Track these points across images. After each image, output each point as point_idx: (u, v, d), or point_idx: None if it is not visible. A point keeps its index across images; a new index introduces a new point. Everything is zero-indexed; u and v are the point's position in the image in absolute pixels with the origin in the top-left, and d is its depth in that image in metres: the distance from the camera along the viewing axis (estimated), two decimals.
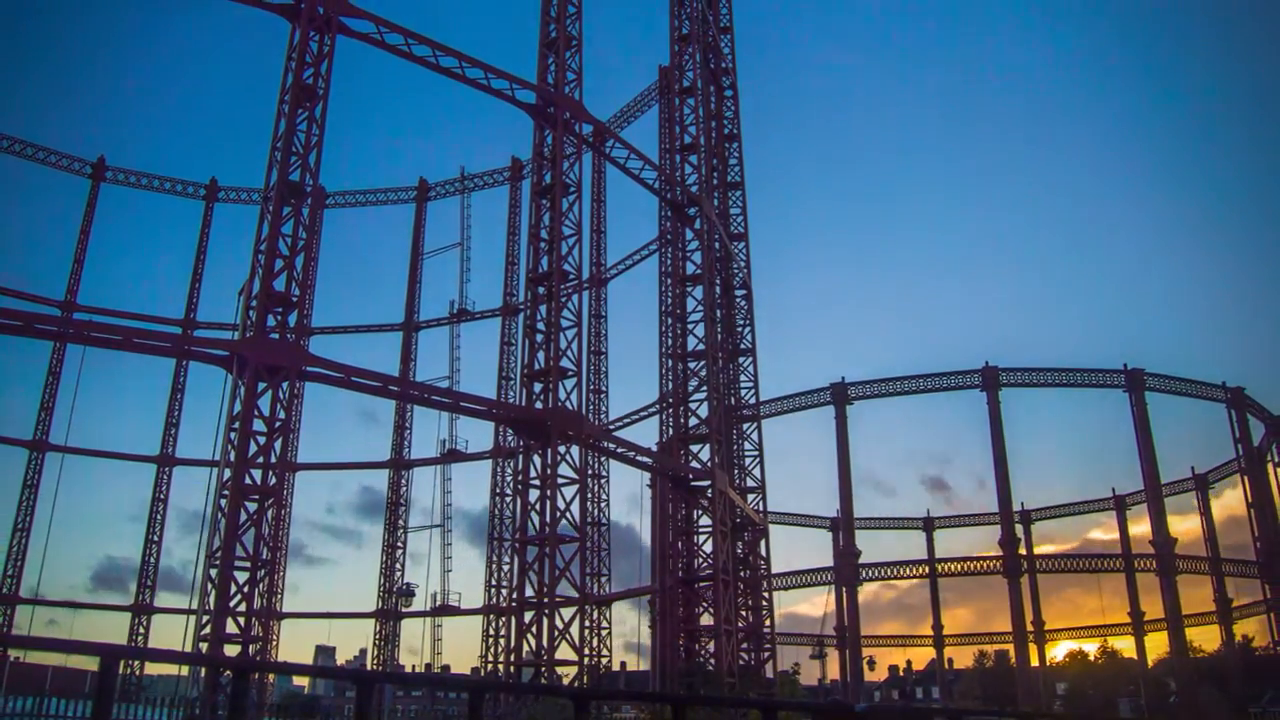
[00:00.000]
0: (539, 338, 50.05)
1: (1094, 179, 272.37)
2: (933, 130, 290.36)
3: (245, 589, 38.18)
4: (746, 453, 67.68)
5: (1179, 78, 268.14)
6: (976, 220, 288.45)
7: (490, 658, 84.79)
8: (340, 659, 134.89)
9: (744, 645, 60.46)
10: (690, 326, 60.47)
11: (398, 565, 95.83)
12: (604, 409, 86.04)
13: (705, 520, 56.42)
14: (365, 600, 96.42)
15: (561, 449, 48.09)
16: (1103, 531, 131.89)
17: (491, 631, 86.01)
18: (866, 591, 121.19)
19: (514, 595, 48.58)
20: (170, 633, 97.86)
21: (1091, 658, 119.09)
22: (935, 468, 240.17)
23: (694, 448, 58.33)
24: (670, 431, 63.31)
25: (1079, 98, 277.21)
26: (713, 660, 53.99)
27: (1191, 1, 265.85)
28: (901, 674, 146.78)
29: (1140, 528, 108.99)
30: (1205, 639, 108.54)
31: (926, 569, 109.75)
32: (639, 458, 56.51)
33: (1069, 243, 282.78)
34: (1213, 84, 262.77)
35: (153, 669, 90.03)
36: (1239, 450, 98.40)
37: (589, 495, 75.99)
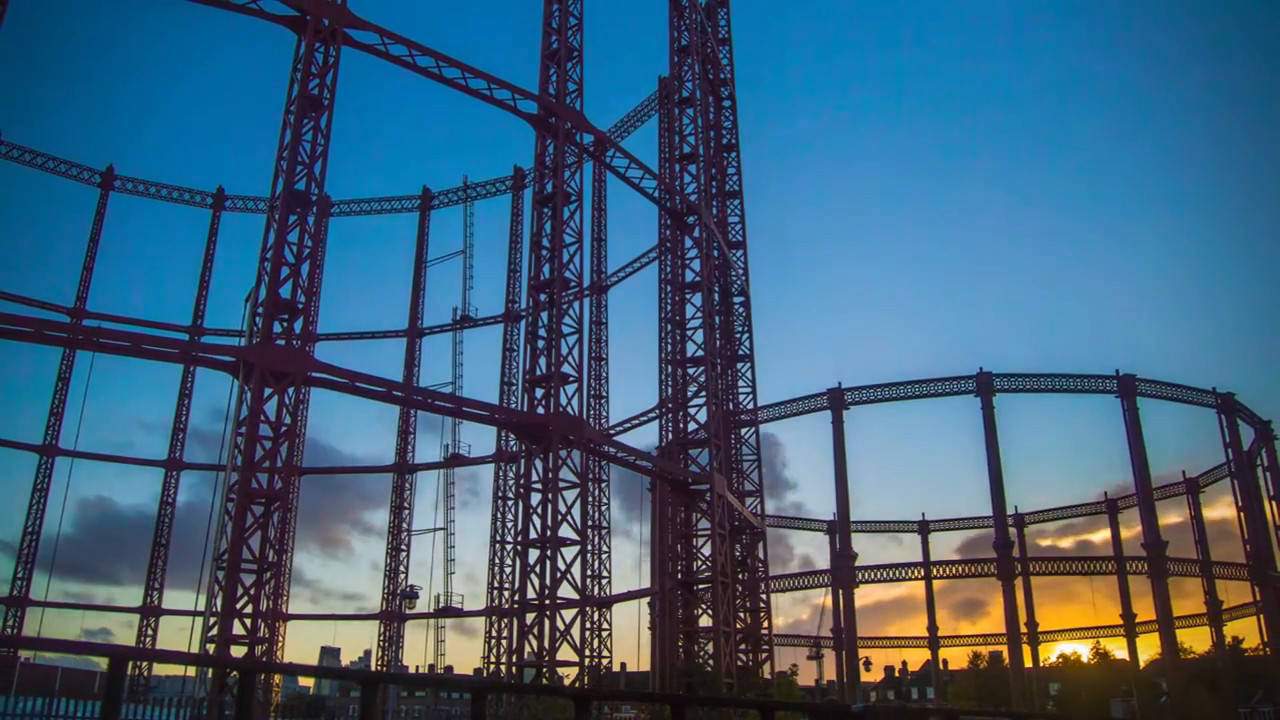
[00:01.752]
0: (540, 344, 50.08)
1: (1087, 188, 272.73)
2: (928, 139, 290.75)
3: (252, 591, 38.21)
4: (745, 457, 67.74)
5: (1173, 88, 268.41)
6: (972, 229, 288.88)
7: (493, 659, 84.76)
8: (345, 660, 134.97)
9: (742, 646, 60.48)
10: (689, 333, 60.52)
11: (401, 568, 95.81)
12: (604, 414, 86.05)
13: (704, 524, 56.45)
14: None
15: (562, 453, 48.11)
16: (1094, 535, 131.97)
17: (494, 633, 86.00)
18: (904, 588, 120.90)
19: (516, 597, 48.56)
20: (179, 626, 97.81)
21: (1084, 659, 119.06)
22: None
23: (693, 452, 58.36)
24: (670, 436, 63.33)
25: (1073, 108, 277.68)
26: (711, 661, 53.98)
27: (1185, 11, 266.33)
28: (897, 675, 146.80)
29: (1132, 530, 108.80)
30: (1196, 641, 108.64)
31: (922, 571, 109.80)
32: (639, 462, 56.53)
33: (1062, 251, 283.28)
34: (1206, 93, 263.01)
35: (161, 669, 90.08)
36: (1229, 455, 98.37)
37: (589, 499, 75.98)
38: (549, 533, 46.39)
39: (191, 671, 48.20)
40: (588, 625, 72.64)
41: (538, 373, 49.60)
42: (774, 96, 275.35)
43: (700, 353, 59.54)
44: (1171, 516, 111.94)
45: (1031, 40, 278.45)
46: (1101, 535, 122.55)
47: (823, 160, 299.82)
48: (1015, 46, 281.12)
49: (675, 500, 59.12)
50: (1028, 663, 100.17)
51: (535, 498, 47.83)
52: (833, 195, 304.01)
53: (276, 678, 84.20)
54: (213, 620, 37.79)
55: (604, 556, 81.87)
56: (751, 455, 67.91)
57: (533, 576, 46.32)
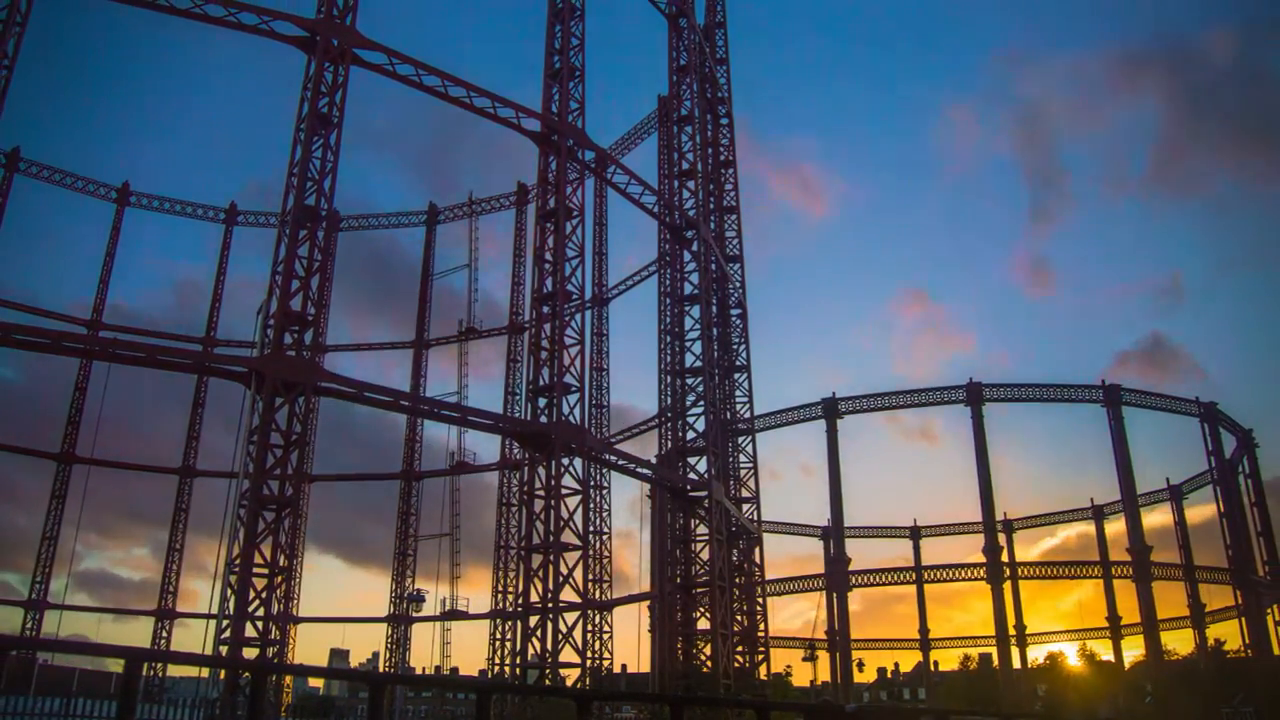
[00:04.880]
0: (544, 355, 50.05)
1: (1078, 195, 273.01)
2: (918, 151, 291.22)
3: (263, 595, 38.14)
4: (742, 464, 67.64)
5: (1162, 98, 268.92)
6: (963, 238, 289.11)
7: (497, 660, 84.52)
8: (354, 661, 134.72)
9: (739, 648, 60.33)
10: (688, 344, 60.47)
11: (408, 573, 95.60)
12: (606, 423, 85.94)
13: (702, 529, 56.35)
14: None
15: (565, 461, 48.05)
16: (1083, 539, 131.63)
17: (498, 635, 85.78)
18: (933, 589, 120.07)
19: (520, 601, 48.46)
20: (192, 630, 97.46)
21: (1071, 661, 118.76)
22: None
23: (691, 460, 58.28)
24: (669, 444, 63.23)
25: (1060, 120, 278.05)
26: (709, 662, 53.85)
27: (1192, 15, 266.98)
28: (890, 676, 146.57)
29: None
30: (1180, 643, 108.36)
31: (914, 575, 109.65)
32: (639, 469, 56.42)
33: (1053, 260, 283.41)
34: (1194, 103, 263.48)
35: (175, 671, 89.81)
36: (1211, 462, 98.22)
37: (591, 505, 75.86)
38: (552, 538, 46.32)
39: (205, 673, 48.03)
40: (589, 628, 72.65)
41: (541, 383, 49.56)
42: (770, 112, 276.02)
43: (699, 363, 59.49)
44: (1156, 520, 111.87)
45: (1023, 54, 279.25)
46: (1088, 539, 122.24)
47: (817, 171, 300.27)
48: (1006, 61, 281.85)
49: (674, 506, 59.03)
50: (1016, 664, 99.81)
51: (538, 504, 47.79)
52: (827, 207, 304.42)
53: (288, 679, 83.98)
54: (225, 623, 37.71)
55: (605, 561, 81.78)
56: (748, 463, 67.83)
57: (536, 580, 46.25)
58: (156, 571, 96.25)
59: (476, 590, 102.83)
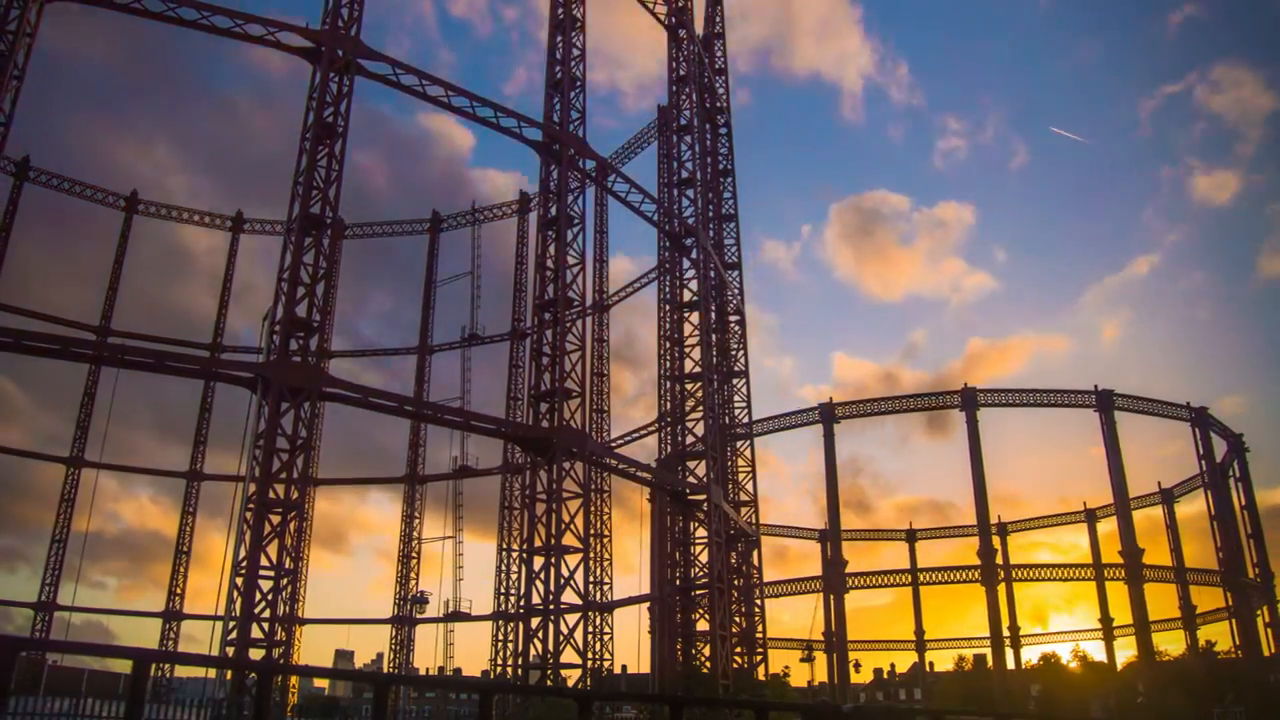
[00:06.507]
0: (545, 360, 50.07)
1: (1069, 200, 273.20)
2: (911, 158, 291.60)
3: (269, 596, 38.13)
4: (740, 469, 67.62)
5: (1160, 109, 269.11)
6: (958, 245, 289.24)
7: (499, 661, 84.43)
8: (358, 662, 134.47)
9: (738, 649, 60.28)
10: (687, 350, 60.50)
11: (412, 574, 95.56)
12: (606, 427, 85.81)
13: (701, 532, 56.33)
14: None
15: (566, 465, 48.05)
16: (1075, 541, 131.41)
17: (501, 636, 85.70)
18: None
19: (522, 602, 48.45)
20: (200, 628, 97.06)
21: (1064, 661, 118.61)
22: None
23: (691, 464, 58.26)
24: (669, 449, 63.24)
25: (1054, 115, 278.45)
26: (709, 663, 53.81)
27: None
28: (886, 676, 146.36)
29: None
30: (1171, 644, 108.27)
31: (910, 578, 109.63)
32: (639, 473, 56.43)
33: (1044, 266, 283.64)
34: (1188, 102, 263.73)
35: (182, 671, 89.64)
36: (1202, 466, 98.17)
37: (592, 508, 75.81)
38: (553, 541, 46.32)
39: (212, 673, 47.99)
40: (590, 629, 72.57)
41: (542, 388, 49.59)
42: (768, 120, 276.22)
43: (698, 369, 59.52)
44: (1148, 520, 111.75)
45: (1018, 65, 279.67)
46: (1081, 541, 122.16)
47: (814, 179, 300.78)
48: (1000, 75, 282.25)
49: (674, 510, 59.02)
50: (1010, 665, 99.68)
51: (540, 507, 47.80)
52: (824, 214, 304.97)
53: (293, 679, 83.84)
54: (232, 624, 37.71)
55: (606, 563, 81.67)
56: (747, 467, 67.82)
57: (538, 583, 46.25)
58: (167, 522, 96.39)
59: (479, 591, 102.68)
